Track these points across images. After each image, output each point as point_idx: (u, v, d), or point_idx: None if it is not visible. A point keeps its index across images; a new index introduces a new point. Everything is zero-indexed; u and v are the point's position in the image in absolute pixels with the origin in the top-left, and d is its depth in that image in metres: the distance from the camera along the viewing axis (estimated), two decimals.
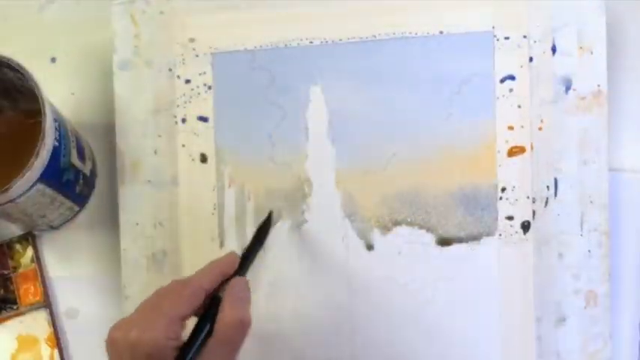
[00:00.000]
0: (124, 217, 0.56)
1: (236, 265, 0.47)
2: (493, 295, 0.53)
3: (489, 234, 0.53)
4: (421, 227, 0.54)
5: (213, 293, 0.45)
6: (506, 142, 0.53)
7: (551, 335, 0.53)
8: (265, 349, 0.54)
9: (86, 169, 0.56)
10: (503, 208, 0.53)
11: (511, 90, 0.53)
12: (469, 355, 0.53)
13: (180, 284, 0.44)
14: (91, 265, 0.58)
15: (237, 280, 0.46)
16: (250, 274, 0.49)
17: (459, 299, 0.53)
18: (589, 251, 0.53)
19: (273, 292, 0.55)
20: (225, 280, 0.46)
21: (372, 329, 0.54)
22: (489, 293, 0.53)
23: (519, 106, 0.53)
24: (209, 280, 0.45)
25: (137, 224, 0.56)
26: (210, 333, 0.43)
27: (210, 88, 0.56)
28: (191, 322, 0.44)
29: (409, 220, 0.54)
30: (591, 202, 0.53)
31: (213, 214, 0.55)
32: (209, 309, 0.44)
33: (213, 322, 0.43)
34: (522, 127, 0.53)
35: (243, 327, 0.43)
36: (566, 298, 0.53)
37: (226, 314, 0.43)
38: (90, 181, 0.57)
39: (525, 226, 0.53)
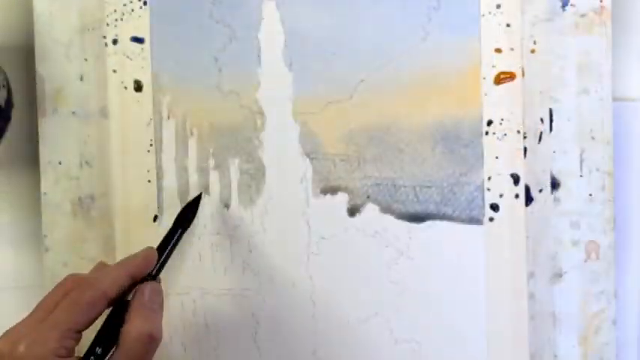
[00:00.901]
0: (44, 155, 0.51)
1: (152, 266, 0.45)
2: (477, 247, 0.48)
3: (473, 175, 0.48)
4: (392, 167, 0.49)
5: (118, 298, 0.42)
6: (493, 67, 0.49)
7: (546, 293, 0.49)
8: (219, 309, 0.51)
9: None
10: (490, 145, 0.48)
11: (498, 6, 0.48)
12: (447, 314, 0.49)
13: (79, 287, 0.41)
14: (5, 212, 0.53)
15: (147, 285, 0.43)
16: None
17: (435, 251, 0.49)
18: (590, 195, 0.48)
19: (222, 242, 0.50)
20: (135, 283, 0.43)
21: (332, 280, 0.50)
22: (473, 244, 0.48)
23: (508, 25, 0.48)
24: (115, 285, 0.42)
25: (60, 163, 0.51)
26: (110, 347, 0.41)
27: (145, 3, 0.51)
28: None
29: (379, 158, 0.49)
30: (592, 137, 0.48)
31: (149, 151, 0.51)
32: (113, 318, 0.42)
33: (116, 333, 0.41)
34: (512, 49, 0.48)
35: (151, 342, 0.41)
36: (564, 250, 0.49)
37: (133, 326, 0.41)
38: (4, 113, 0.52)
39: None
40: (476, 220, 0.48)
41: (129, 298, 0.43)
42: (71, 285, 0.41)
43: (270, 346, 0.50)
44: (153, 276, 0.45)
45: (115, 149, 0.51)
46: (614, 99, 0.48)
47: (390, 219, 0.49)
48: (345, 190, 0.49)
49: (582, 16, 0.48)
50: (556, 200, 0.48)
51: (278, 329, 0.50)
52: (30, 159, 0.52)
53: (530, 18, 0.48)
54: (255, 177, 0.50)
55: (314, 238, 0.49)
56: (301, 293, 0.50)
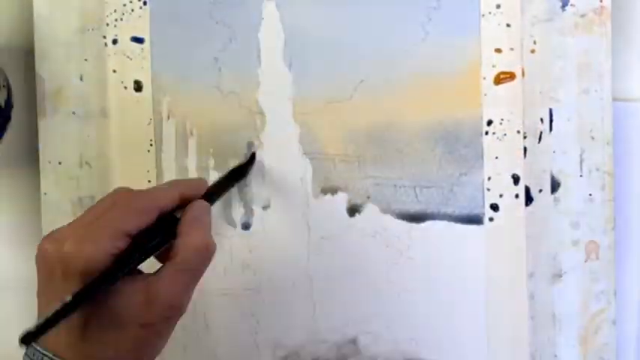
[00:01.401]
0: (44, 155, 0.51)
1: (202, 191, 0.42)
2: (477, 247, 0.48)
3: (473, 175, 0.48)
4: (392, 167, 0.49)
5: (167, 213, 0.40)
6: (493, 67, 0.48)
7: (546, 293, 0.48)
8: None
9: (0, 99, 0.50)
10: (490, 145, 0.48)
11: (498, 6, 0.48)
12: (447, 314, 0.49)
13: (131, 195, 0.40)
14: (5, 212, 0.53)
15: (199, 202, 0.41)
16: None
17: (435, 251, 0.49)
18: (590, 195, 0.48)
19: (221, 243, 0.48)
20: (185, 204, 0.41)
21: (332, 281, 0.49)
22: (473, 244, 0.48)
23: (508, 25, 0.48)
24: (167, 198, 0.40)
25: (60, 163, 0.51)
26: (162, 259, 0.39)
27: (145, 3, 0.50)
28: None
29: (379, 158, 0.49)
30: (592, 137, 0.48)
31: (149, 151, 0.51)
32: (164, 229, 0.39)
33: (165, 245, 0.39)
34: (512, 49, 0.48)
35: (208, 252, 0.39)
36: (564, 250, 0.48)
37: (191, 238, 0.38)
38: (4, 113, 0.51)
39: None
40: (476, 220, 0.48)
41: (178, 216, 0.40)
42: (122, 194, 0.40)
43: (270, 346, 0.50)
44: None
45: (115, 149, 0.50)
46: (614, 99, 0.48)
47: (390, 219, 0.49)
48: (345, 190, 0.49)
49: (582, 16, 0.48)
50: (556, 200, 0.48)
51: (278, 329, 0.50)
52: (30, 159, 0.52)
53: (530, 18, 0.48)
54: (255, 177, 0.50)
55: (314, 238, 0.49)
56: (301, 293, 0.49)
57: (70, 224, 0.38)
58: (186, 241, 0.38)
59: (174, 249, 0.38)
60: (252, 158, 0.49)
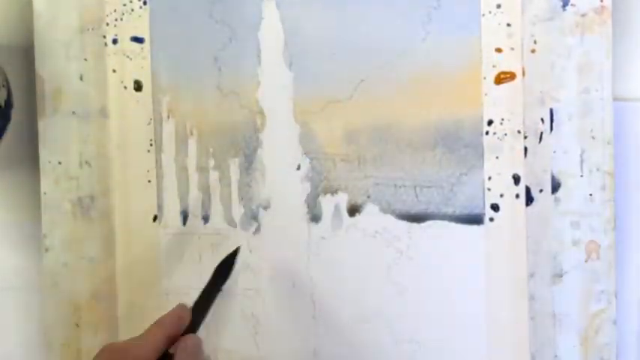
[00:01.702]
0: (44, 155, 0.51)
1: (186, 323, 0.43)
2: (477, 247, 0.48)
3: (473, 175, 0.48)
4: (393, 167, 0.48)
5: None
6: (494, 66, 0.48)
7: (547, 293, 0.48)
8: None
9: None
10: (490, 145, 0.48)
11: (499, 5, 0.48)
12: (447, 314, 0.48)
13: (120, 354, 0.39)
14: (5, 212, 0.53)
15: (190, 339, 0.42)
16: None
17: (435, 251, 0.48)
18: (590, 195, 0.48)
19: (221, 243, 0.50)
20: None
21: (332, 280, 0.49)
22: (473, 244, 0.48)
23: (508, 25, 0.48)
24: (152, 349, 0.40)
25: (60, 163, 0.51)
26: None
27: (145, 3, 0.50)
28: None
29: (379, 158, 0.49)
30: (593, 137, 0.48)
31: (149, 151, 0.51)
32: None
33: None
34: (512, 49, 0.48)
35: None
36: (564, 250, 0.48)
37: None
38: (4, 113, 0.51)
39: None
40: (476, 220, 0.48)
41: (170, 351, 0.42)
42: (108, 356, 0.39)
43: (270, 346, 0.50)
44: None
45: (115, 149, 0.50)
46: (615, 99, 0.47)
47: (390, 219, 0.49)
48: (345, 190, 0.49)
49: (583, 15, 0.47)
50: (556, 200, 0.48)
51: (278, 329, 0.50)
52: (30, 159, 0.52)
53: (531, 17, 0.48)
54: (255, 177, 0.50)
55: (314, 238, 0.49)
56: (301, 293, 0.49)
57: None
58: None
59: None
60: (232, 256, 0.48)
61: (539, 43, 0.48)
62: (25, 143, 0.52)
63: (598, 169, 0.48)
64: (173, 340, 0.41)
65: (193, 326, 0.43)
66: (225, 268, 0.47)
